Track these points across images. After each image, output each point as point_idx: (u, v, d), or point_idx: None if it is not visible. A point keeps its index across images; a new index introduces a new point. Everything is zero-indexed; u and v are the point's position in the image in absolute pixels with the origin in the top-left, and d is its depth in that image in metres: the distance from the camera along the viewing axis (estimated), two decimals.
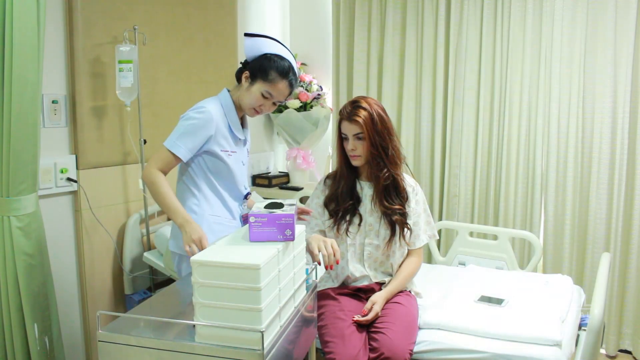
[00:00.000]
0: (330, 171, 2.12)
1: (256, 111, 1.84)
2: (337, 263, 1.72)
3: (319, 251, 1.70)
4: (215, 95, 1.88)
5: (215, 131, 1.78)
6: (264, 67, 1.78)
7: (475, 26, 2.99)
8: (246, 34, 1.83)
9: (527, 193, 2.96)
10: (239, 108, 1.87)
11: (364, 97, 1.93)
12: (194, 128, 1.74)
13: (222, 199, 1.85)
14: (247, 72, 1.81)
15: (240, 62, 1.89)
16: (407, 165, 2.05)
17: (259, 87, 1.79)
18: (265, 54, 1.80)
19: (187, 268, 1.84)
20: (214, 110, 1.78)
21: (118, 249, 2.55)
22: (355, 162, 1.94)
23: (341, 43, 3.35)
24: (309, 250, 1.74)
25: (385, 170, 1.92)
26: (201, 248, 1.58)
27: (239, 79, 1.86)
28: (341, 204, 1.96)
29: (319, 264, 1.70)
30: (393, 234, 1.94)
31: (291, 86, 1.82)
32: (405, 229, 1.96)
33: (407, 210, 1.97)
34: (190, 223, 1.65)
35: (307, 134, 3.39)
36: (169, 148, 1.73)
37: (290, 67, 1.80)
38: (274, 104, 1.84)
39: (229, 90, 1.88)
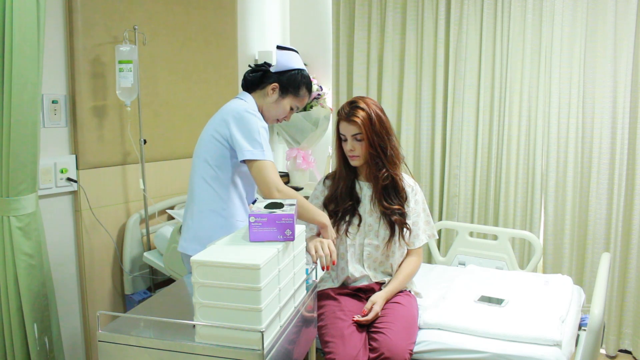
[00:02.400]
0: (330, 171, 2.12)
1: (277, 120, 1.90)
2: (334, 264, 1.72)
3: (316, 252, 1.71)
4: (234, 95, 1.91)
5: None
6: (297, 83, 1.85)
7: (475, 26, 2.99)
8: (278, 47, 1.86)
9: (527, 193, 2.96)
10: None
11: (362, 98, 1.93)
12: (265, 132, 1.75)
13: (244, 204, 1.85)
14: (276, 84, 1.83)
15: (251, 66, 1.90)
16: (406, 165, 2.05)
17: (289, 101, 1.86)
18: (296, 69, 1.85)
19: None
20: (255, 111, 1.79)
21: (118, 249, 2.55)
22: (354, 163, 1.94)
23: (341, 43, 3.35)
24: (307, 250, 1.74)
25: (384, 170, 1.92)
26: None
27: (254, 85, 1.86)
28: (340, 204, 1.96)
29: (316, 264, 1.71)
30: (392, 234, 1.94)
31: None
32: (405, 229, 1.96)
33: (406, 210, 1.97)
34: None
35: (307, 134, 3.39)
36: (269, 159, 1.70)
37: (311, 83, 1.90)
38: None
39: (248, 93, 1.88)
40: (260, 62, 3.45)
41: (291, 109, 1.89)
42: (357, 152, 1.91)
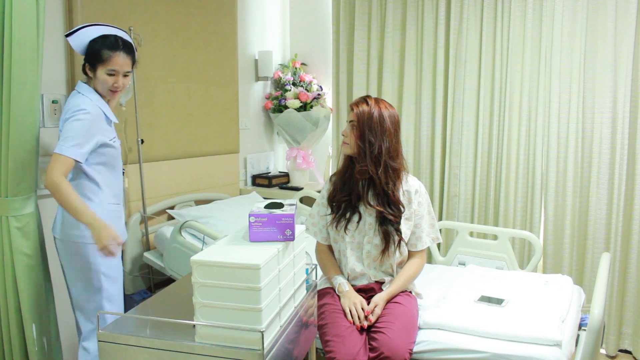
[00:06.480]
0: (330, 171, 2.12)
1: (113, 91, 1.91)
2: (370, 322, 1.81)
3: (349, 311, 1.83)
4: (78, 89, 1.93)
5: (100, 124, 1.85)
6: (95, 52, 1.86)
7: (475, 26, 2.99)
8: (66, 35, 1.89)
9: (527, 193, 2.96)
10: (102, 95, 1.93)
11: (378, 99, 1.96)
12: (85, 129, 1.78)
13: (112, 187, 1.93)
14: (86, 64, 1.89)
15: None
16: (405, 167, 2.02)
17: (101, 71, 1.87)
18: (90, 41, 1.87)
19: (66, 252, 1.89)
20: (91, 106, 1.83)
21: None
22: (344, 150, 1.95)
23: (341, 43, 3.35)
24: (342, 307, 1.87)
25: (364, 164, 1.90)
26: (118, 244, 1.76)
27: (86, 74, 1.92)
28: (338, 195, 1.97)
29: (352, 323, 1.80)
30: (387, 245, 1.93)
31: (128, 54, 1.90)
32: (397, 237, 1.94)
33: (402, 215, 1.94)
34: (99, 221, 1.74)
35: (307, 134, 3.39)
36: (68, 155, 1.74)
37: (117, 38, 1.89)
38: (125, 75, 1.91)
39: (84, 82, 1.92)
40: (261, 63, 3.46)
41: (111, 74, 1.87)
42: (348, 139, 1.93)
